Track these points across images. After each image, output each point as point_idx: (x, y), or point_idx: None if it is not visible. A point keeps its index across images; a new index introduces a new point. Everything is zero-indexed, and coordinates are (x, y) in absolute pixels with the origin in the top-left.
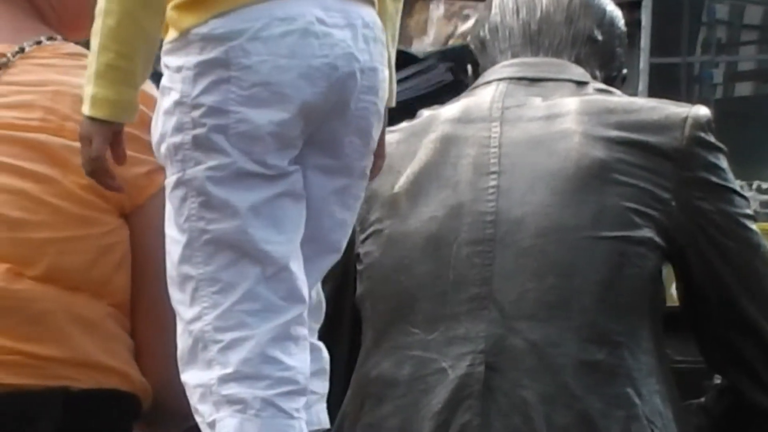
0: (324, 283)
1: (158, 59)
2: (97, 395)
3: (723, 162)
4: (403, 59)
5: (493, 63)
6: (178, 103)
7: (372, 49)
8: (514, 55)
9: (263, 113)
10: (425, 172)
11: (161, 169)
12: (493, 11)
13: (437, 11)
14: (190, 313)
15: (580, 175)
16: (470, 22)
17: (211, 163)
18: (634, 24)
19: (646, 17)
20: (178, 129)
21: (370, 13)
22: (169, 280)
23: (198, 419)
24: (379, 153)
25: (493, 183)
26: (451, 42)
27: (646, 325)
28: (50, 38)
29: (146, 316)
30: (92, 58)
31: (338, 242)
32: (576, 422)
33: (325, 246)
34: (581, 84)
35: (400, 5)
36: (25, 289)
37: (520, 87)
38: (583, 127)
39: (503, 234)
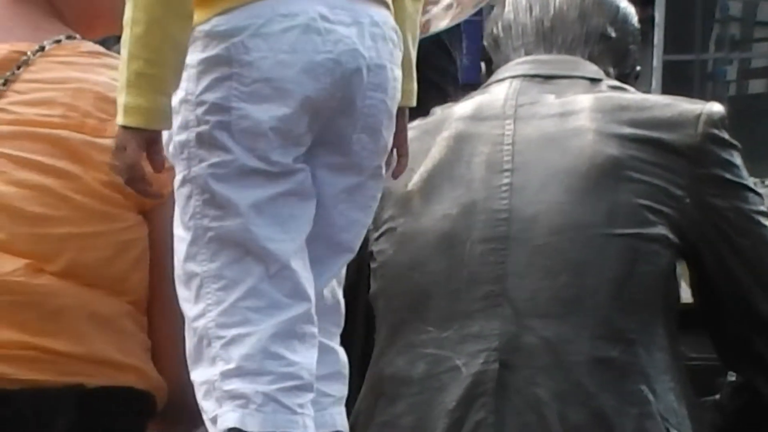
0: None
1: None
2: (112, 392)
3: (737, 159)
4: None
5: (507, 60)
6: (183, 101)
7: (380, 46)
8: (527, 53)
9: (264, 109)
10: (438, 170)
11: None
12: (506, 9)
13: None
14: (194, 310)
15: (593, 172)
16: None
17: (214, 160)
18: (647, 21)
19: (659, 14)
20: (183, 127)
21: (380, 12)
22: (176, 279)
23: (204, 416)
24: (403, 151)
25: (506, 181)
26: None
27: (659, 323)
28: (69, 37)
29: (162, 314)
30: (122, 68)
31: (350, 241)
32: (590, 420)
33: (338, 245)
34: (595, 81)
35: (420, 5)
36: (44, 284)
37: (534, 84)
38: (597, 124)
39: (517, 232)
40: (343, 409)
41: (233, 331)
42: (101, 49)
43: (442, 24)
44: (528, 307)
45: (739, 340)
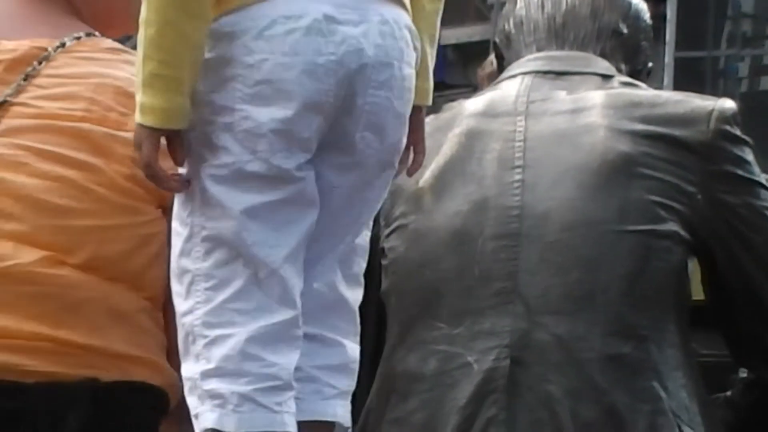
0: None
1: None
2: (126, 387)
3: (749, 155)
4: None
5: (518, 57)
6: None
7: (388, 44)
8: (539, 49)
9: (266, 111)
10: (450, 167)
11: None
12: (518, 5)
13: None
14: (184, 306)
15: (605, 169)
16: None
17: (215, 161)
18: (659, 18)
19: (671, 11)
20: (191, 126)
21: (392, 11)
22: (171, 273)
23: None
24: (419, 149)
25: (518, 177)
26: None
27: (671, 319)
28: (88, 34)
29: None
30: (138, 68)
31: (355, 239)
32: (602, 416)
33: (342, 243)
34: (607, 77)
35: (439, 5)
36: (65, 276)
37: (546, 81)
38: (609, 120)
39: (528, 228)
40: (346, 403)
41: (217, 332)
42: (120, 45)
43: None
44: (540, 304)
45: (751, 336)
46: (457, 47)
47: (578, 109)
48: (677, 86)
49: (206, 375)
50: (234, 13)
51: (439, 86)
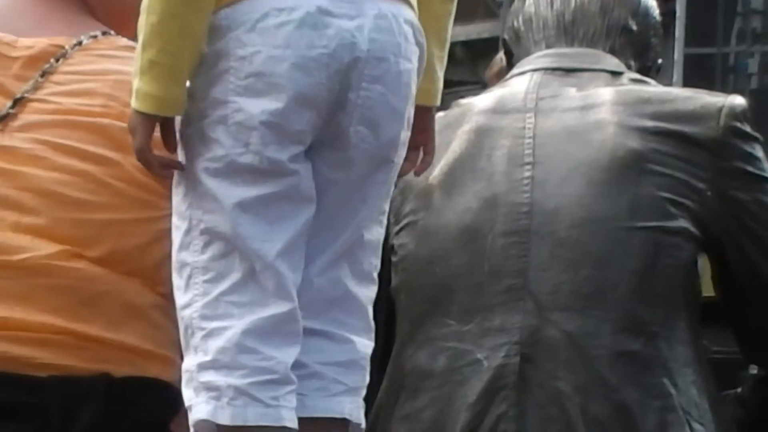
0: None
1: None
2: (138, 383)
3: (759, 152)
4: None
5: (528, 54)
6: (188, 94)
7: (384, 39)
8: (548, 46)
9: (257, 103)
10: (459, 164)
11: None
12: (527, 2)
13: None
14: (183, 300)
15: (615, 165)
16: None
17: (209, 154)
18: (668, 14)
19: (680, 7)
20: (186, 119)
21: (392, 6)
22: (172, 267)
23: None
24: (428, 149)
25: (527, 174)
26: None
27: (682, 316)
28: (105, 33)
29: None
30: (137, 53)
31: (354, 235)
32: (612, 413)
33: (340, 238)
34: (616, 74)
35: (451, 6)
36: (82, 269)
37: (555, 77)
38: (618, 117)
39: (538, 225)
40: (356, 399)
41: (214, 324)
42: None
43: None
44: (550, 301)
45: (761, 332)
46: (466, 44)
47: (588, 106)
48: (687, 83)
49: (203, 367)
50: (230, 7)
51: (447, 83)
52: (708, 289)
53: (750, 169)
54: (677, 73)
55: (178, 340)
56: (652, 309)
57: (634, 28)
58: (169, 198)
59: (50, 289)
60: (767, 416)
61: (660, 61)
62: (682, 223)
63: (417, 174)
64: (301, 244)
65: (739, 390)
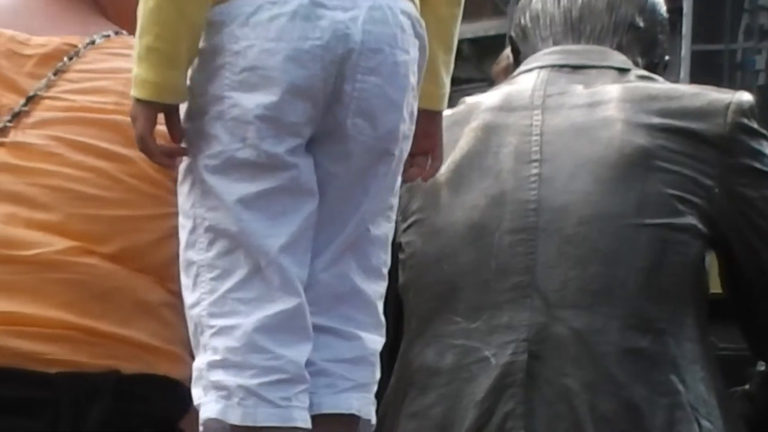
0: None
1: None
2: (147, 380)
3: (766, 148)
4: None
5: (535, 50)
6: (188, 90)
7: (379, 30)
8: (555, 43)
9: (252, 97)
10: (467, 161)
11: None
12: None
13: None
14: (191, 298)
15: (622, 162)
16: None
17: (208, 151)
18: (675, 11)
19: (687, 4)
20: (187, 116)
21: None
22: (180, 266)
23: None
24: (435, 155)
25: (535, 171)
26: None
27: (689, 313)
28: (117, 32)
29: None
30: (136, 41)
31: (358, 230)
32: (620, 410)
33: (343, 233)
34: (623, 71)
35: (457, 11)
36: (94, 265)
37: (562, 74)
38: (626, 114)
39: (546, 222)
40: (365, 396)
41: (221, 322)
42: None
43: None
44: (557, 298)
45: None
46: (473, 42)
47: (595, 103)
48: (694, 79)
49: (212, 366)
50: (226, 2)
51: (454, 81)
52: (715, 286)
53: (757, 165)
54: (684, 70)
55: (188, 337)
56: (659, 306)
57: (641, 24)
58: None
59: (61, 285)
60: None
61: (667, 57)
62: (690, 219)
63: (424, 180)
64: (306, 239)
65: (747, 387)
